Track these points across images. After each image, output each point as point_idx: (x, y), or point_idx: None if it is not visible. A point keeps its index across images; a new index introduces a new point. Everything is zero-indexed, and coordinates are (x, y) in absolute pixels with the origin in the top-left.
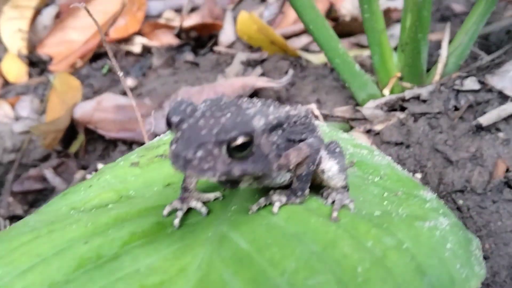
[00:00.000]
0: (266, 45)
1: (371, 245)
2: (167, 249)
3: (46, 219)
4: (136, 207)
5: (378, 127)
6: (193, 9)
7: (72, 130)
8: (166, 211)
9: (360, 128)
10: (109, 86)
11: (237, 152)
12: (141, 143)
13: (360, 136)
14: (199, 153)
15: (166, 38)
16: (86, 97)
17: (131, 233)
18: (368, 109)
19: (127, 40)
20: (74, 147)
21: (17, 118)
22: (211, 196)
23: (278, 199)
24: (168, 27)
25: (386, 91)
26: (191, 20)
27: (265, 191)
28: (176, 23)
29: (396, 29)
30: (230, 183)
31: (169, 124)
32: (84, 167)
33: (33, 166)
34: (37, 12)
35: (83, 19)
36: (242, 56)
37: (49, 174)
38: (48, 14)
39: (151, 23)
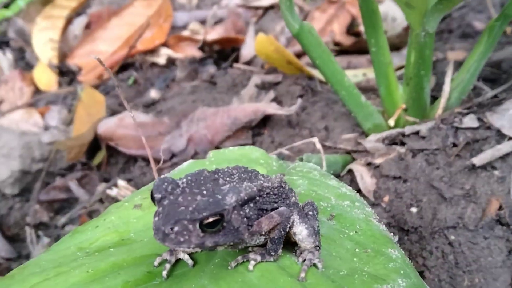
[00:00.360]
0: (283, 64)
1: None
2: None
3: (55, 260)
4: (132, 254)
5: (378, 161)
6: (217, 22)
7: (96, 141)
8: (156, 262)
9: (362, 161)
10: (133, 97)
11: (208, 227)
12: (158, 161)
13: (360, 169)
14: (176, 228)
15: (190, 50)
16: (111, 108)
17: (125, 282)
18: (370, 142)
19: (153, 51)
20: (97, 159)
21: (46, 128)
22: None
23: (254, 258)
24: (192, 40)
25: (391, 122)
26: (215, 33)
27: (244, 248)
28: (200, 36)
29: None
30: (207, 248)
31: (153, 200)
32: (106, 180)
33: (59, 175)
34: (68, 21)
35: (111, 30)
36: (257, 79)
37: (73, 185)
38: (79, 24)
39: (176, 35)
